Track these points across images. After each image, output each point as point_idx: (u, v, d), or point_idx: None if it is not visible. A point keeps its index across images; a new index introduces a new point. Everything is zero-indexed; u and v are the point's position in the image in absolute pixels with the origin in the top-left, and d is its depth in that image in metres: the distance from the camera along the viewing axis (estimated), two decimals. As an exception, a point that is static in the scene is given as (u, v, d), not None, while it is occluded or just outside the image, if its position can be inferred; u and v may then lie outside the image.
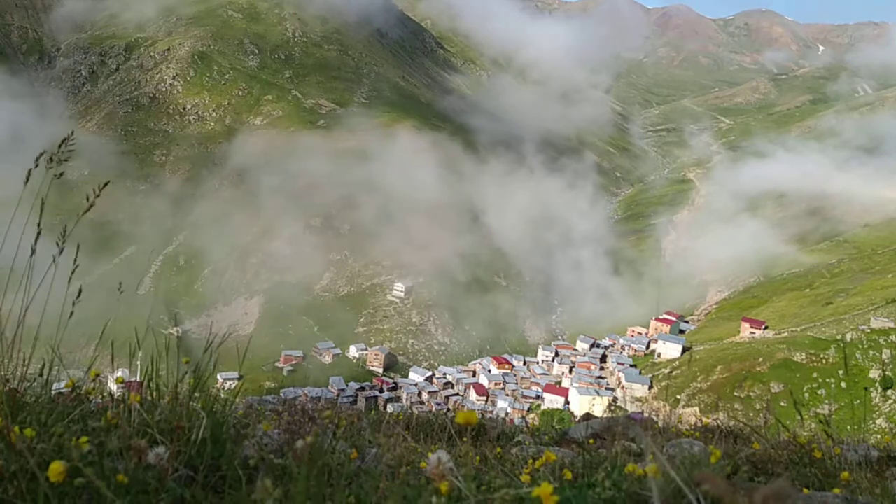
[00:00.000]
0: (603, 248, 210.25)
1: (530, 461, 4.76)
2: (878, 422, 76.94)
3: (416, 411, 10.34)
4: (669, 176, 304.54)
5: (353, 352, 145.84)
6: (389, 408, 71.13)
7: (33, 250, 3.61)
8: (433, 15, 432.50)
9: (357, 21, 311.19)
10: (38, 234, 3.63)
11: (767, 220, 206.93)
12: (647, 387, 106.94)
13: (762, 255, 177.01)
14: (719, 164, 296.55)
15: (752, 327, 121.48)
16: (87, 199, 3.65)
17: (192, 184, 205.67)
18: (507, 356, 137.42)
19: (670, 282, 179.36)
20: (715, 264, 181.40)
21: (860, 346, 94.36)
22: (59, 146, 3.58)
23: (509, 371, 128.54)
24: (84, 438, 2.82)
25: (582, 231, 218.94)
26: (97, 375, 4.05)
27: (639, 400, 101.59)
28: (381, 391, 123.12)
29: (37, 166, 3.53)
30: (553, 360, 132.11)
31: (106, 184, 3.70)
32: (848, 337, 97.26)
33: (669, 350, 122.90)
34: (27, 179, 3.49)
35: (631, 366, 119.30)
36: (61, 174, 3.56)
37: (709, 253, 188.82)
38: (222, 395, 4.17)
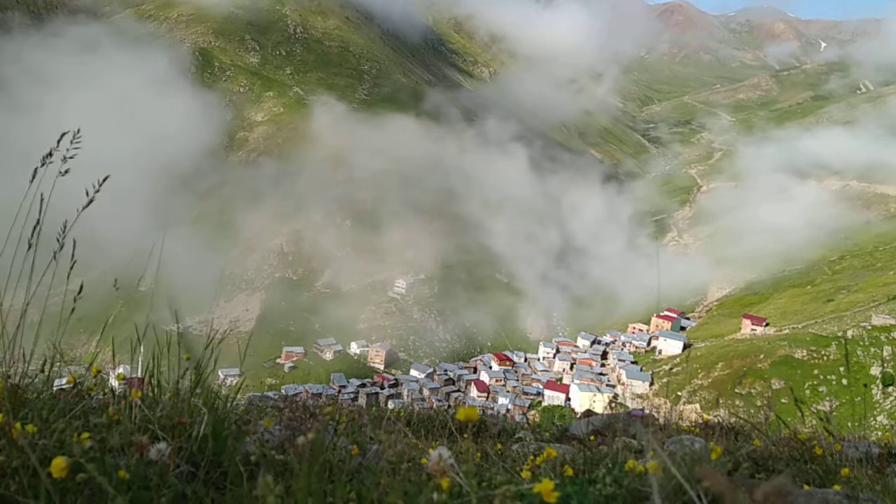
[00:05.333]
0: (604, 244, 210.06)
1: (531, 457, 4.77)
2: (878, 419, 77.00)
3: (417, 408, 10.35)
4: (672, 172, 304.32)
5: (354, 348, 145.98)
6: (391, 404, 71.18)
7: (30, 245, 3.62)
8: (432, 8, 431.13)
9: (358, 17, 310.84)
10: (37, 229, 3.63)
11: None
12: (647, 383, 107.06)
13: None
14: (724, 159, 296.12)
15: (753, 324, 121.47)
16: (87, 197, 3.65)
17: (192, 181, 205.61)
18: (508, 353, 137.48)
19: (672, 278, 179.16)
20: (717, 260, 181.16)
21: (861, 343, 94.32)
22: (59, 141, 3.57)
23: (510, 368, 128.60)
24: (86, 434, 2.83)
25: (583, 228, 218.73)
26: (98, 372, 4.06)
27: (640, 396, 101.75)
28: (383, 388, 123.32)
29: (43, 165, 3.53)
30: (554, 357, 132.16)
31: (106, 178, 3.70)
32: (849, 334, 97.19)
33: (670, 347, 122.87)
34: (33, 177, 3.49)
35: (632, 362, 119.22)
36: (66, 171, 3.55)
37: (710, 248, 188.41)
38: (223, 392, 4.18)
